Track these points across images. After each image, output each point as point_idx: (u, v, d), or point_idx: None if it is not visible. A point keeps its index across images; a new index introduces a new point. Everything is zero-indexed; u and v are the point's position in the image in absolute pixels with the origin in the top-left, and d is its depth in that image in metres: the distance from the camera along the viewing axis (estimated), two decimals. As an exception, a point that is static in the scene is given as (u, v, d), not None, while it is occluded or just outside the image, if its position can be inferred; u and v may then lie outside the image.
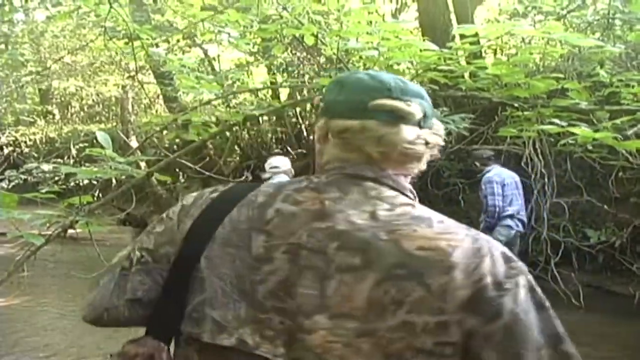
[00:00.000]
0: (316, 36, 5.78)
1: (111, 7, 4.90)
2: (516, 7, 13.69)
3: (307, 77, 13.26)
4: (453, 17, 12.98)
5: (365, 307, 1.38)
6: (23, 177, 14.04)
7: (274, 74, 13.82)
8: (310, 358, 1.40)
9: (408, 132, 1.56)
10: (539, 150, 10.33)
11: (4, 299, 10.42)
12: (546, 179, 10.32)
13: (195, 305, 1.51)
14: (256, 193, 1.58)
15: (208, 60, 14.45)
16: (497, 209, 9.11)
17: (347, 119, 1.57)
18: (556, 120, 4.89)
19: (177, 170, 18.29)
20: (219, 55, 14.91)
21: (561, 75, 5.86)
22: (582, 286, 9.68)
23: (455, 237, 1.45)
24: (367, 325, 1.37)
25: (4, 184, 14.10)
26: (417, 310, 1.37)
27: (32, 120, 23.67)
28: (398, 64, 5.82)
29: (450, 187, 11.02)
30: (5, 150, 22.89)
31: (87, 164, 17.18)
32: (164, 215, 1.68)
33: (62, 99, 24.44)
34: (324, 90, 1.77)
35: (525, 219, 9.56)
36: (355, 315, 1.38)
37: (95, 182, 17.19)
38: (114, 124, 23.27)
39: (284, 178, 7.96)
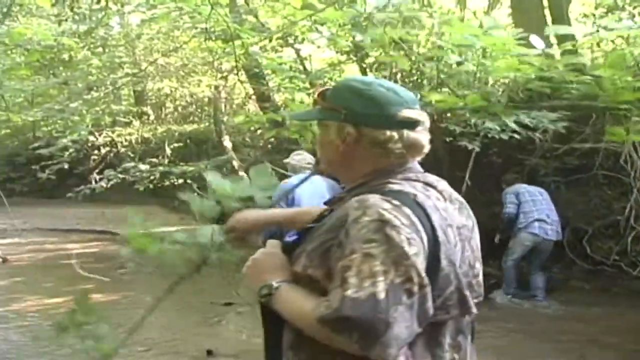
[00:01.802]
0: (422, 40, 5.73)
1: (212, 8, 4.97)
2: (615, 0, 13.30)
3: (399, 75, 13.18)
4: (547, 12, 12.72)
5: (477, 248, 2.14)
6: (121, 176, 14.36)
7: (366, 73, 13.78)
8: (480, 290, 2.12)
9: (423, 135, 2.11)
10: (638, 148, 10.05)
11: (104, 295, 10.70)
12: (646, 177, 10.04)
13: (448, 295, 1.93)
14: (421, 199, 1.96)
15: (300, 60, 14.50)
16: (508, 216, 9.91)
17: (384, 129, 2.05)
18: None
19: (271, 170, 18.43)
20: (310, 55, 14.94)
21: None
22: (684, 287, 9.43)
23: None
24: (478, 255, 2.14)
25: (103, 183, 14.47)
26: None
27: (127, 121, 24.19)
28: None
29: (547, 185, 10.79)
30: (103, 151, 23.51)
31: (181, 163, 17.56)
32: (402, 238, 1.81)
33: (157, 99, 24.91)
34: (335, 97, 2.15)
35: (555, 226, 9.85)
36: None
37: (189, 182, 17.56)
38: (207, 124, 23.59)
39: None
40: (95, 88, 17.69)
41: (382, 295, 1.72)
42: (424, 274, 1.80)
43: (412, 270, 1.77)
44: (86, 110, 17.98)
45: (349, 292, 1.73)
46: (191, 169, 15.21)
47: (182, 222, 19.50)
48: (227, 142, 19.25)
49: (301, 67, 14.43)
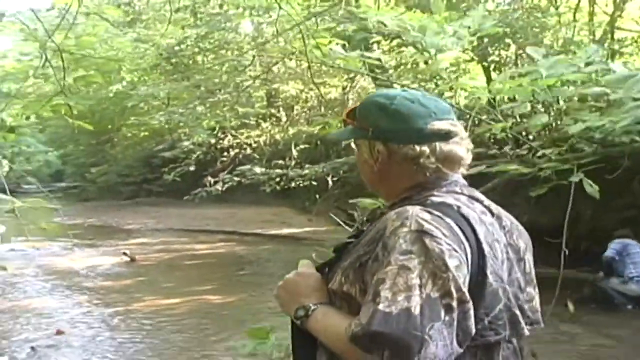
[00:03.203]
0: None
1: (280, 7, 4.86)
2: None
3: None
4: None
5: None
6: (237, 179, 14.46)
7: (489, 71, 13.42)
8: (535, 316, 1.94)
9: (459, 146, 1.94)
10: None
11: (220, 296, 10.85)
12: None
13: (497, 314, 1.78)
14: (465, 211, 1.84)
15: (424, 59, 14.24)
16: (606, 259, 9.87)
17: (413, 144, 1.91)
18: None
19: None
20: (435, 54, 14.64)
21: None
22: None
23: None
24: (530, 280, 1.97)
25: (218, 186, 14.66)
26: None
27: (256, 123, 24.44)
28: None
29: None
30: (232, 153, 23.84)
31: (307, 165, 17.61)
32: (443, 249, 1.68)
33: (284, 102, 25.05)
34: (362, 115, 2.03)
35: None
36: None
37: (314, 183, 17.61)
38: (338, 126, 23.47)
39: None
40: (219, 91, 17.97)
41: (417, 311, 1.60)
42: (464, 289, 1.66)
43: (451, 284, 1.64)
44: (209, 113, 18.27)
45: (381, 307, 1.61)
46: (306, 171, 15.22)
47: (310, 223, 19.64)
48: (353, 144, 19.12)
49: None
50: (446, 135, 1.92)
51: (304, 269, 2.06)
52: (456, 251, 1.70)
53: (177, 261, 14.82)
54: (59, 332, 8.72)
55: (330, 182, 19.06)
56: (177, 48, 19.64)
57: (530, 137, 9.65)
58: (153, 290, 11.39)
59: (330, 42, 5.23)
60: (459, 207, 1.84)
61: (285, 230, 18.62)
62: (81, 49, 4.98)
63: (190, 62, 21.74)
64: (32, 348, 8.08)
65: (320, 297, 1.93)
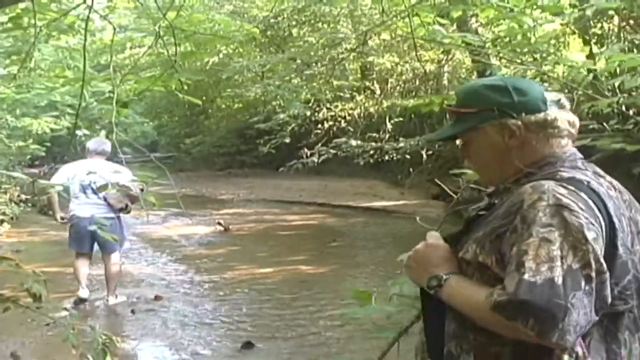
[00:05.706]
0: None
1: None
2: None
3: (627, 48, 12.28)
4: None
5: None
6: (332, 151, 14.44)
7: (590, 45, 12.99)
8: None
9: (571, 114, 2.06)
10: None
11: (312, 267, 10.91)
12: None
13: (625, 284, 1.86)
14: (594, 186, 1.90)
15: (522, 32, 13.91)
16: None
17: (543, 111, 2.01)
18: None
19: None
20: (534, 27, 14.30)
21: None
22: None
23: None
24: None
25: (314, 158, 14.66)
26: None
27: (351, 95, 24.34)
28: None
29: None
30: (326, 125, 23.83)
31: (401, 138, 17.47)
32: (581, 222, 1.77)
33: (378, 75, 24.87)
34: (477, 101, 2.08)
35: None
36: None
37: (407, 157, 17.48)
38: (432, 99, 23.17)
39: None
40: (314, 64, 17.97)
41: (559, 281, 1.70)
42: (602, 260, 1.76)
43: (590, 256, 1.74)
44: (305, 85, 18.29)
45: (526, 277, 1.71)
46: (401, 145, 15.13)
47: (402, 197, 19.54)
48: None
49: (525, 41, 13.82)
50: (560, 103, 2.05)
51: (433, 240, 2.14)
52: (593, 224, 1.79)
53: (270, 231, 14.97)
54: (157, 298, 8.94)
55: (424, 156, 18.89)
56: (272, 21, 19.76)
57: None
58: (246, 259, 11.54)
59: (434, 22, 5.16)
60: (588, 182, 1.91)
61: (377, 203, 18.54)
62: (191, 26, 5.03)
63: (286, 35, 21.78)
64: (132, 311, 8.34)
65: (451, 267, 2.02)
